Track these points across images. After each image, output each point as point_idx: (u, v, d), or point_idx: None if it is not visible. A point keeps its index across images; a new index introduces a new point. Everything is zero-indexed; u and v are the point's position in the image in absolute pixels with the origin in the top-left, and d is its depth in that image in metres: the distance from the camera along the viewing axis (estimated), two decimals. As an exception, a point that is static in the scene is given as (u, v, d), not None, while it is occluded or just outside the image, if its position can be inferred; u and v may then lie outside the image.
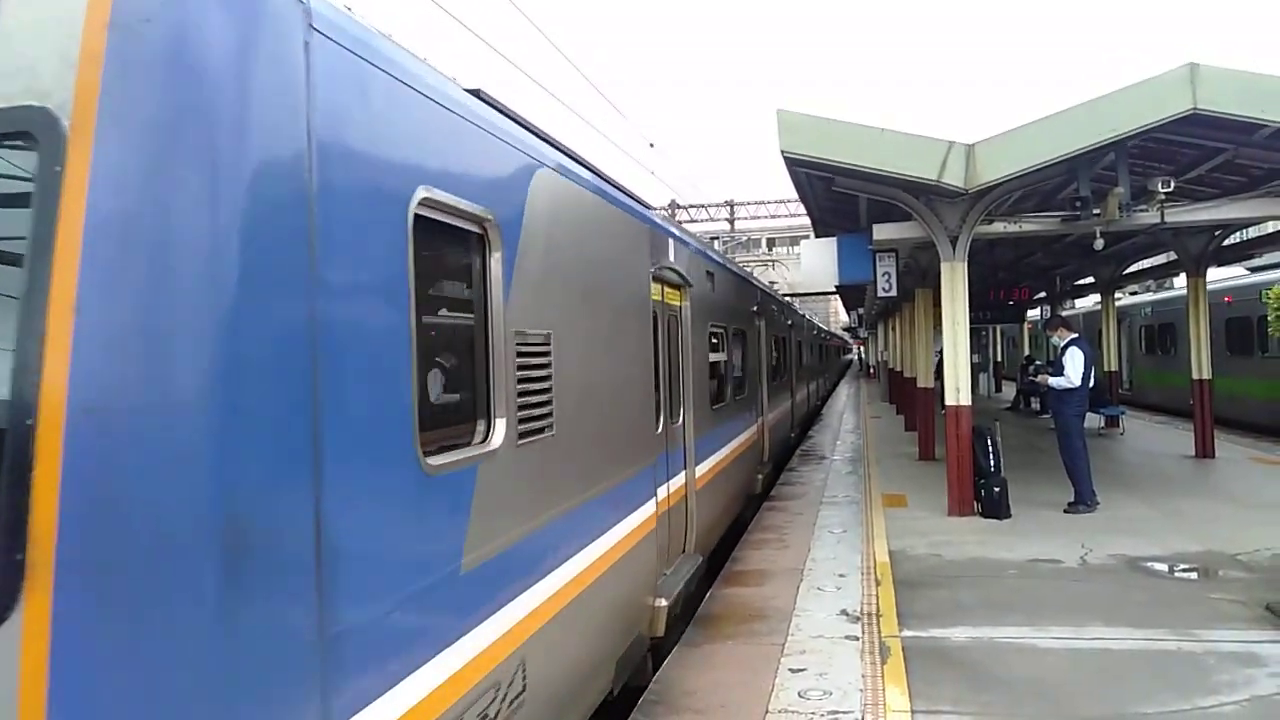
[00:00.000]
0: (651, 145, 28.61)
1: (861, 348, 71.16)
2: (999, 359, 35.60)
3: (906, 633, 6.56)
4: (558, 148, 4.84)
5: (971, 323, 14.28)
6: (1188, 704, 5.16)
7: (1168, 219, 10.76)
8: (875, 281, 12.93)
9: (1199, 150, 10.77)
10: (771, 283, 28.59)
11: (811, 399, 27.72)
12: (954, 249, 10.45)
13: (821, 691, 5.51)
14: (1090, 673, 5.73)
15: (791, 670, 5.89)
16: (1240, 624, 6.53)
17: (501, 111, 4.05)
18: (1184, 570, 8.19)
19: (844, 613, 7.10)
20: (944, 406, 10.86)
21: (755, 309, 13.10)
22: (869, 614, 7.03)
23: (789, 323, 19.21)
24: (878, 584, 7.86)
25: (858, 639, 6.46)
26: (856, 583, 7.96)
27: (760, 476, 12.78)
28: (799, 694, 5.48)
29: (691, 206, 43.94)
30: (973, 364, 21.00)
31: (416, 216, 2.95)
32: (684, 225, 22.84)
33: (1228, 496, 11.48)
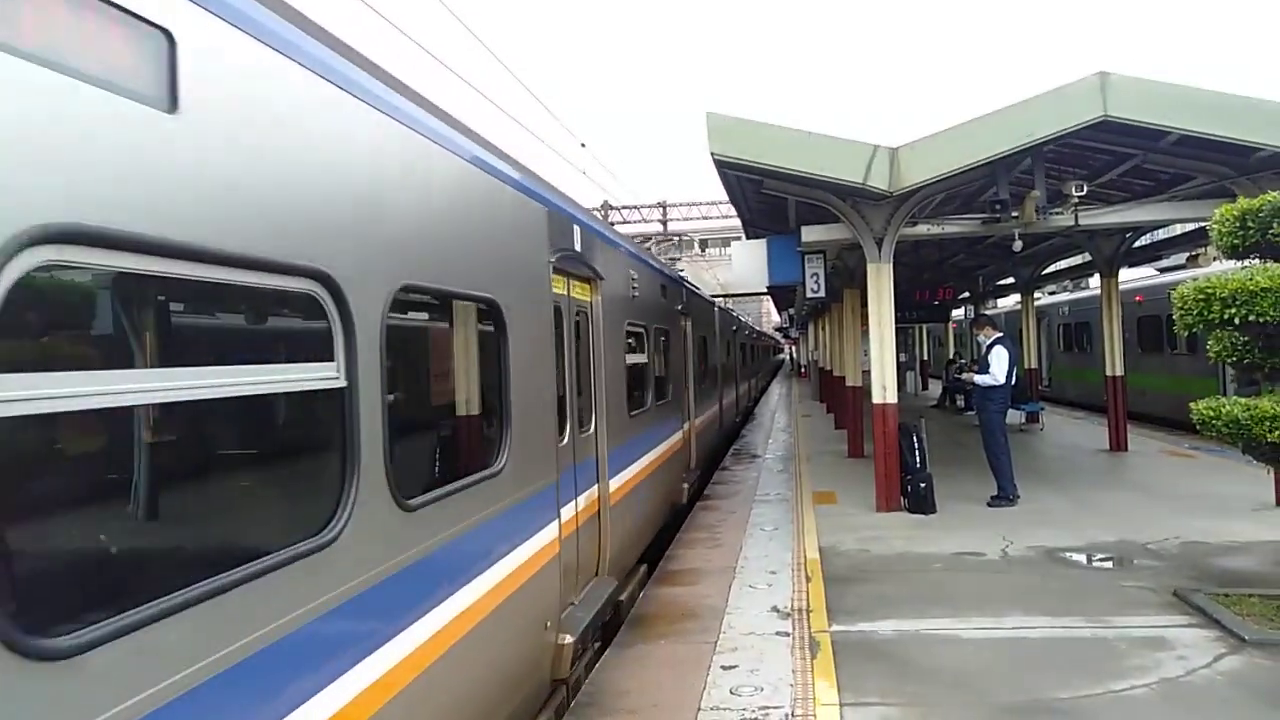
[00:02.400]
0: (583, 145, 28.55)
1: (793, 347, 72.11)
2: (925, 358, 36.46)
3: (836, 627, 6.69)
4: None
5: (898, 322, 14.61)
6: (1100, 688, 5.37)
7: (1081, 221, 11.18)
8: (804, 283, 13.14)
9: (1110, 155, 11.20)
10: (674, 258, 26.05)
11: (729, 415, 20.96)
12: (879, 250, 10.67)
13: (753, 688, 5.58)
14: (1010, 661, 5.92)
15: (724, 668, 5.95)
16: (1150, 610, 6.81)
17: None
18: (1098, 560, 8.51)
19: (775, 609, 7.20)
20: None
21: (593, 271, 7.09)
22: (799, 610, 7.14)
23: (676, 307, 12.36)
24: (808, 580, 7.99)
25: (788, 635, 6.56)
26: (787, 579, 8.08)
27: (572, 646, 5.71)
28: (731, 691, 5.55)
29: (624, 208, 43.95)
30: (899, 363, 21.52)
31: None
32: (616, 226, 21.75)
33: (1139, 488, 11.96)
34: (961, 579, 7.95)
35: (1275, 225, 6.30)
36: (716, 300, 21.91)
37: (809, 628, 6.69)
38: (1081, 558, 8.56)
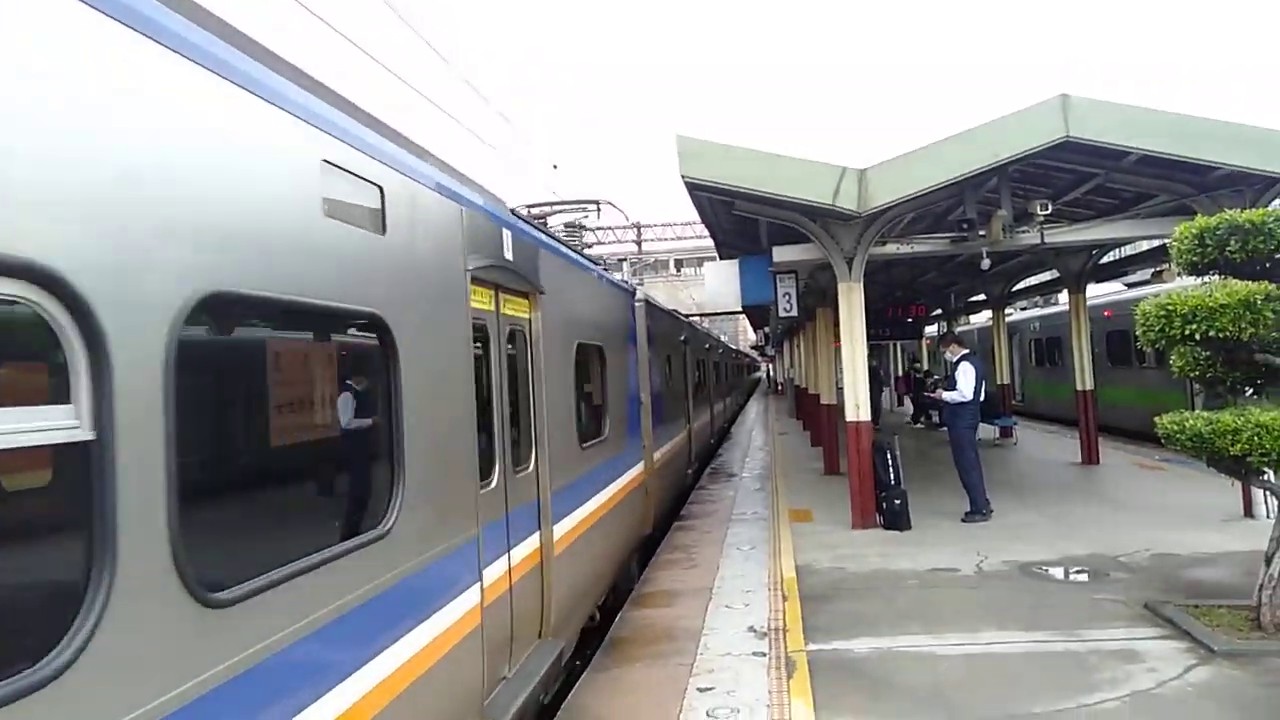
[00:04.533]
0: (555, 167, 28.65)
1: (770, 365, 72.38)
2: (900, 374, 36.67)
3: (812, 646, 6.70)
4: None
5: (871, 339, 14.72)
6: (1073, 702, 5.42)
7: (1047, 239, 11.34)
8: (776, 302, 13.22)
9: (1074, 175, 11.40)
10: (592, 253, 16.92)
11: (662, 484, 12.33)
12: (850, 270, 10.78)
13: (729, 709, 5.58)
14: (984, 676, 5.96)
15: (700, 690, 5.95)
16: (1122, 623, 6.88)
17: None
18: (1071, 573, 8.59)
19: (751, 629, 7.21)
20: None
21: None
22: (776, 630, 7.15)
23: (468, 260, 4.95)
24: (784, 599, 8.00)
25: (765, 655, 6.57)
26: (764, 599, 8.09)
27: None
28: (707, 713, 5.54)
29: (599, 229, 44.08)
30: (874, 373, 21.56)
31: None
32: (592, 247, 20.24)
33: (1111, 500, 12.09)
34: (936, 595, 7.99)
35: (1232, 243, 6.45)
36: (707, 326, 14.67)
37: (785, 647, 6.70)
38: (1055, 571, 8.64)
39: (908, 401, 30.81)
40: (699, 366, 19.96)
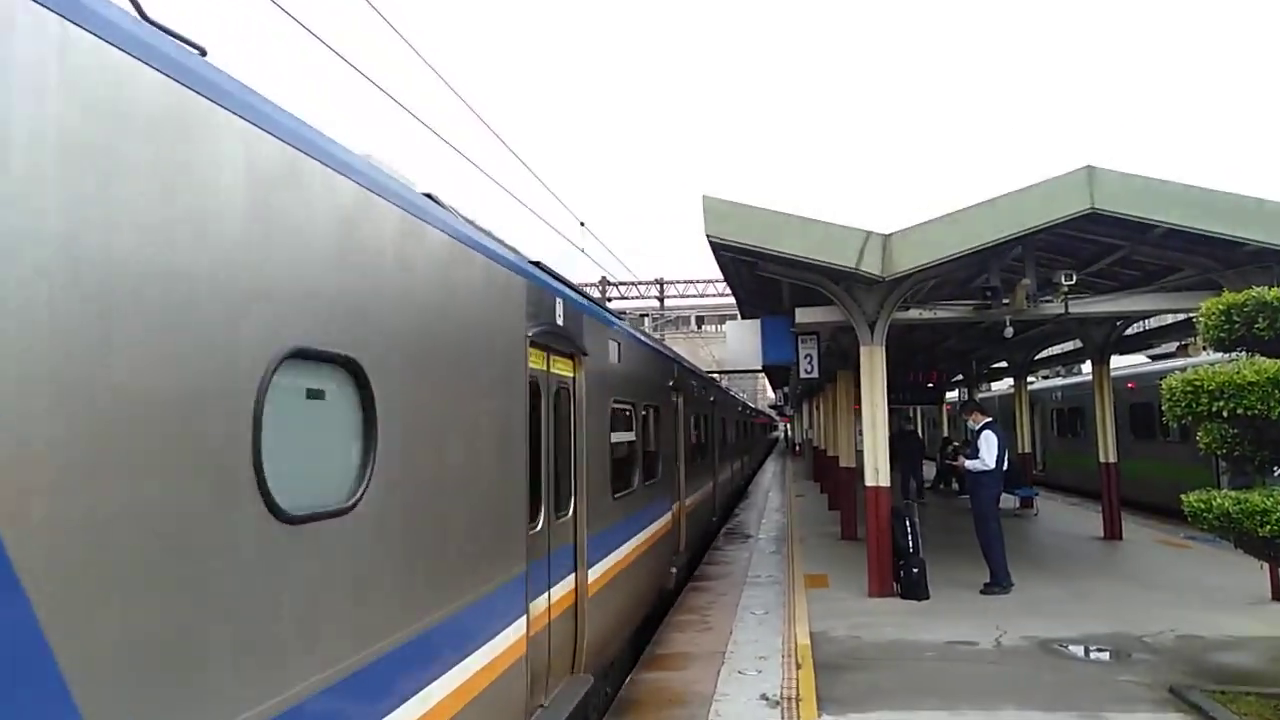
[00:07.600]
0: (583, 224, 28.94)
1: (788, 424, 71.99)
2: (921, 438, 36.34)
3: (825, 718, 6.55)
4: None
5: (892, 404, 14.63)
6: (1095, 789, 5.24)
7: (1070, 310, 11.29)
8: (797, 363, 13.19)
9: (1099, 246, 11.39)
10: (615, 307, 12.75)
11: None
12: (872, 333, 10.77)
13: (739, 780, 5.44)
14: (1003, 758, 5.78)
15: (710, 758, 5.81)
16: (1145, 706, 6.69)
17: None
18: (1093, 652, 8.38)
19: (764, 697, 7.06)
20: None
21: None
22: (789, 698, 7.00)
23: None
24: (798, 667, 7.84)
25: (777, 725, 6.41)
26: (777, 666, 7.94)
27: None
28: (716, 783, 5.40)
29: (622, 284, 44.40)
30: (910, 438, 21.35)
31: None
32: (613, 302, 20.45)
33: (1134, 578, 11.84)
34: (954, 669, 7.81)
35: (1260, 320, 6.39)
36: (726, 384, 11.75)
37: (798, 717, 6.55)
38: (1076, 649, 8.43)
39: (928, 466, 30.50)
40: (650, 418, 10.99)
